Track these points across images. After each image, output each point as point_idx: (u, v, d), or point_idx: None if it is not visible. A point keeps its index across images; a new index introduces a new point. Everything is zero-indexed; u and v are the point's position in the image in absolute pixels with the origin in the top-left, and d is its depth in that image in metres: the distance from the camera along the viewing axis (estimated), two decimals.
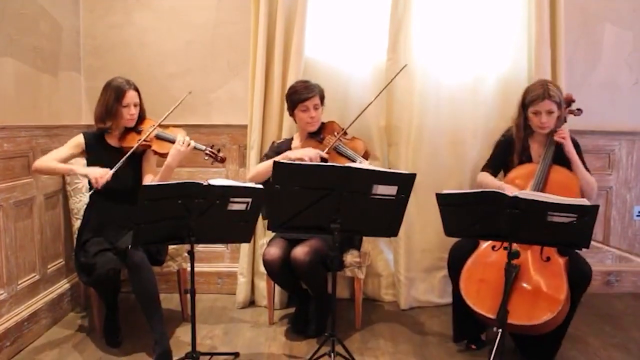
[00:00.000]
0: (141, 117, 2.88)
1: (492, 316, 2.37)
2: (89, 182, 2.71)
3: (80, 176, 2.79)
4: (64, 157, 2.80)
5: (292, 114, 3.01)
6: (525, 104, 2.72)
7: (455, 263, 2.65)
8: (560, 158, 2.71)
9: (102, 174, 2.66)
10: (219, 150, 2.85)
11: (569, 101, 2.82)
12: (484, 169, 2.91)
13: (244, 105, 3.37)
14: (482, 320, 2.48)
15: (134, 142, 2.81)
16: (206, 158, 2.83)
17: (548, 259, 2.45)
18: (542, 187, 2.60)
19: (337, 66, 3.39)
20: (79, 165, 2.83)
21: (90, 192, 2.77)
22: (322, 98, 2.98)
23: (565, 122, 2.81)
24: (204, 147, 2.82)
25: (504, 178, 2.82)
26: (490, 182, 2.80)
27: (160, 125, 2.85)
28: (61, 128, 3.16)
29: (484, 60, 3.37)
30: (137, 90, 2.84)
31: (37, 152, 2.92)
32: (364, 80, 3.39)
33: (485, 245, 2.60)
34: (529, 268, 2.45)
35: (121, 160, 2.71)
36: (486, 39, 3.35)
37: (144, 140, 2.80)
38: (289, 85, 3.11)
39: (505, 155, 2.85)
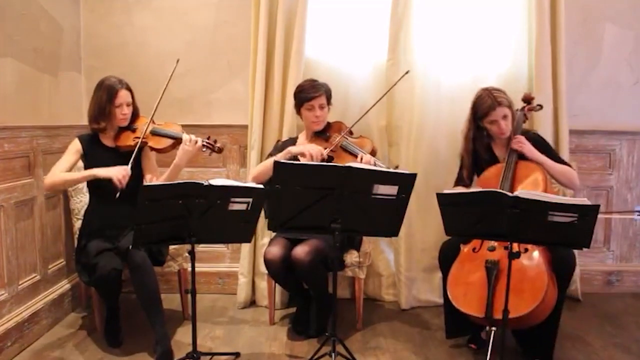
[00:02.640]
0: (134, 115, 2.88)
1: (482, 316, 2.38)
2: (113, 185, 2.63)
3: (103, 178, 2.66)
4: (68, 167, 2.78)
5: (298, 112, 3.01)
6: (478, 117, 2.77)
7: (444, 262, 2.68)
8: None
9: (123, 174, 2.64)
10: (215, 141, 2.84)
11: (528, 99, 2.86)
12: (456, 185, 2.91)
13: (245, 106, 3.37)
14: (476, 322, 2.49)
15: (129, 141, 2.82)
16: (204, 150, 2.82)
17: (526, 250, 2.47)
18: (510, 183, 2.63)
19: (338, 66, 3.40)
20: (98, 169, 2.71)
21: (117, 196, 2.62)
22: (328, 97, 2.98)
23: (527, 119, 2.85)
24: (200, 139, 2.81)
25: (476, 182, 2.84)
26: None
27: (155, 122, 2.85)
28: (62, 128, 3.16)
29: (484, 60, 3.37)
30: (129, 89, 2.82)
31: (38, 153, 2.93)
32: (365, 81, 3.39)
33: (466, 249, 2.62)
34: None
35: (133, 155, 2.71)
36: (486, 38, 3.36)
37: (138, 138, 2.80)
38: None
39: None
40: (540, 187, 2.58)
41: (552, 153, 2.80)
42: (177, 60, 2.82)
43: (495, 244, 2.50)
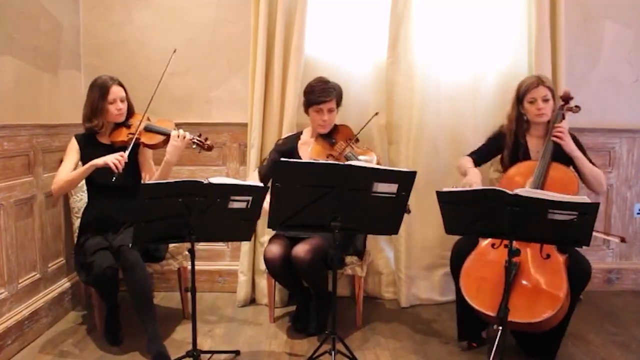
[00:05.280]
0: (130, 112, 2.89)
1: (492, 314, 2.37)
2: (109, 171, 2.63)
3: (101, 166, 2.67)
4: (72, 167, 2.80)
5: (306, 111, 3.01)
6: (520, 96, 2.76)
7: (457, 261, 2.64)
8: (560, 154, 2.70)
9: (118, 158, 2.65)
10: (206, 139, 2.84)
11: (567, 98, 2.80)
12: (469, 155, 2.91)
13: (244, 104, 3.37)
14: (483, 318, 2.49)
15: (122, 136, 2.83)
16: (194, 147, 2.81)
17: (548, 256, 2.45)
18: (541, 184, 2.60)
19: (337, 64, 3.39)
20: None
21: (114, 179, 2.63)
22: (339, 101, 2.96)
23: (564, 119, 2.81)
24: (191, 136, 2.81)
25: (503, 175, 2.82)
26: (463, 164, 2.83)
27: (149, 118, 2.87)
28: (61, 127, 3.16)
29: (484, 58, 3.37)
30: (121, 85, 2.85)
31: (38, 151, 2.93)
32: (364, 79, 3.39)
33: (485, 243, 2.60)
34: (528, 265, 2.45)
35: (129, 147, 2.72)
36: (486, 36, 3.35)
37: (132, 134, 2.80)
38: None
39: (493, 148, 2.88)
40: (571, 192, 2.51)
41: (586, 155, 2.75)
42: (174, 51, 2.80)
43: (518, 245, 2.36)
